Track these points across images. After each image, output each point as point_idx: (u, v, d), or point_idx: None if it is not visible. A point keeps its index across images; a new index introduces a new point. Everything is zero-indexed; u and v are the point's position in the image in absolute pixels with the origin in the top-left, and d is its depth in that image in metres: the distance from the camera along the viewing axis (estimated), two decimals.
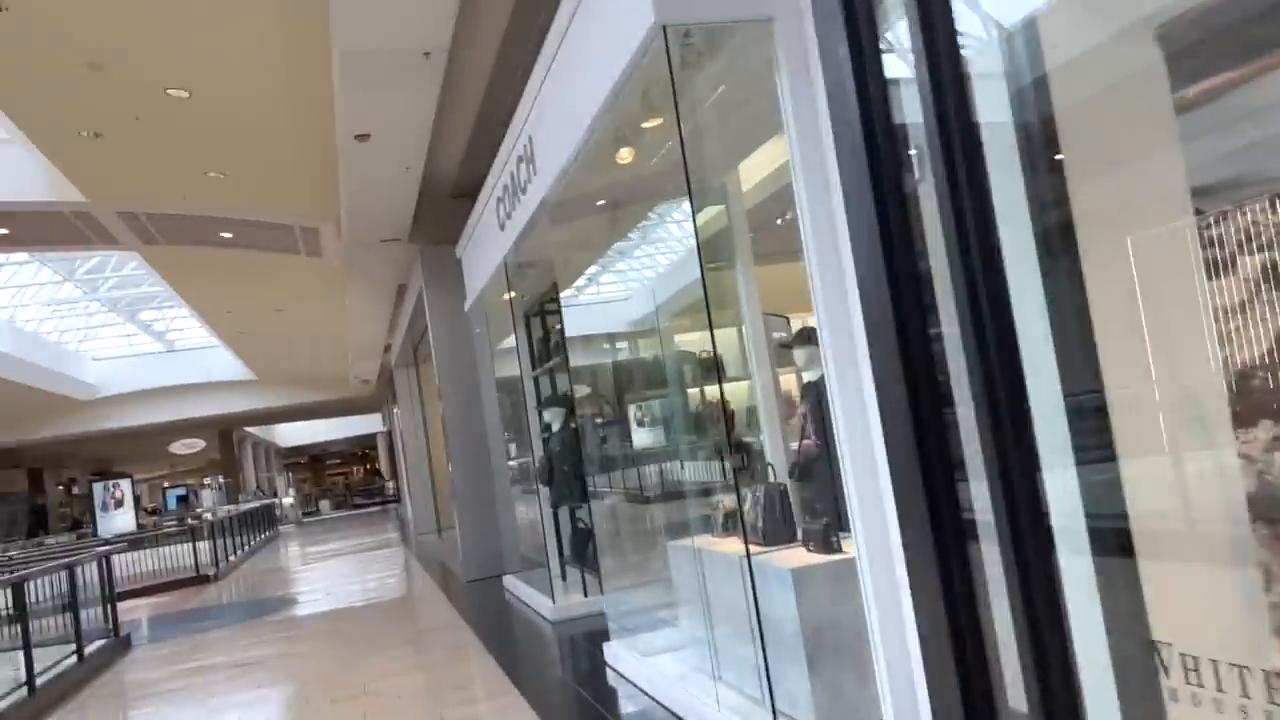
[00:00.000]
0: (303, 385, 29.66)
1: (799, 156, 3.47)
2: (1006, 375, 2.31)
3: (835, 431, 3.52)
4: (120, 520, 27.22)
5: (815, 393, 4.91)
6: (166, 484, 48.56)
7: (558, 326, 8.21)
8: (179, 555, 16.90)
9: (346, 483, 53.20)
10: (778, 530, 4.51)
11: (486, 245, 8.16)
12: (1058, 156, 2.44)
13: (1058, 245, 2.39)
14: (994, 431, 2.31)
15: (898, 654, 3.34)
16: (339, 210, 10.85)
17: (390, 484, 44.83)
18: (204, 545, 16.97)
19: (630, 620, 6.12)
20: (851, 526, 3.47)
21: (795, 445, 5.18)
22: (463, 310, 10.41)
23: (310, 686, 6.47)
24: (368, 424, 44.59)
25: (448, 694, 5.78)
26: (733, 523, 5.12)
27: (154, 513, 38.69)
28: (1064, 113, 2.36)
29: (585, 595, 7.62)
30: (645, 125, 4.98)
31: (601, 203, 6.37)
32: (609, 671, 5.72)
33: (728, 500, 5.33)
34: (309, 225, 11.92)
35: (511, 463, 10.36)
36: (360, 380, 27.56)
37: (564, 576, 9.15)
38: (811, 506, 4.74)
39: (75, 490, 38.83)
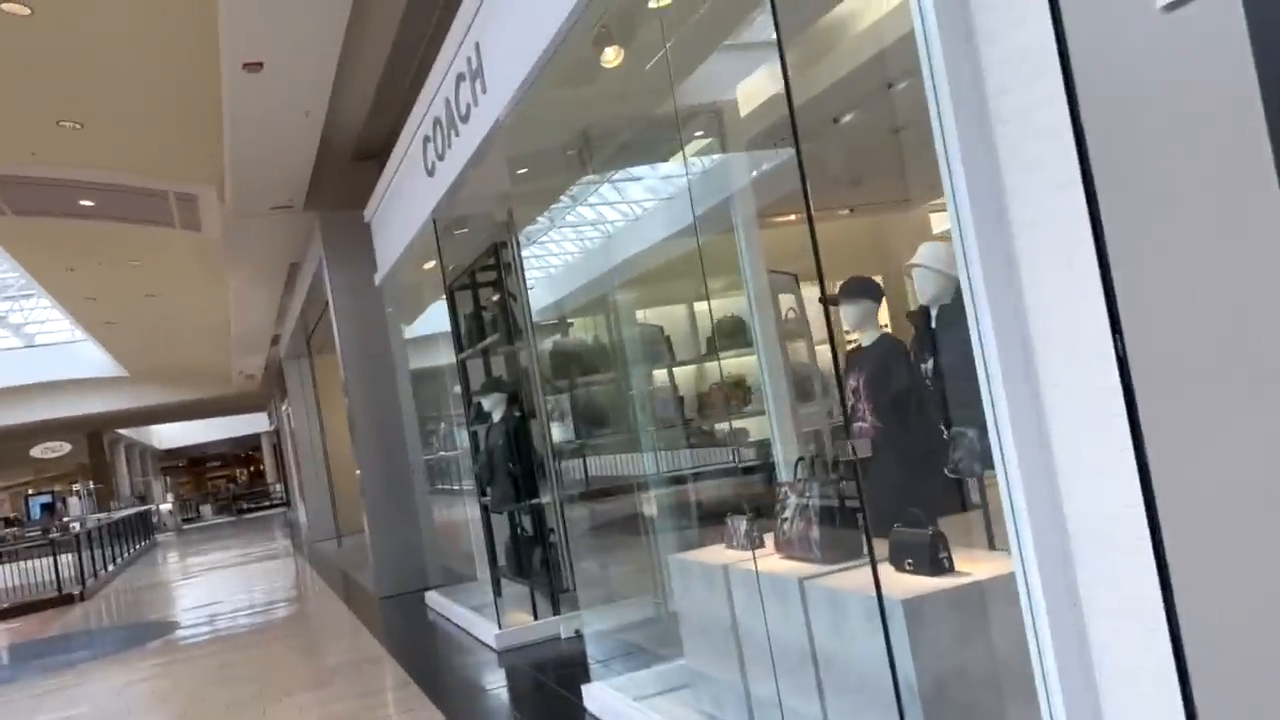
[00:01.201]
0: (180, 382, 27.40)
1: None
2: None
3: (990, 407, 2.35)
4: None
5: (876, 360, 3.78)
6: (30, 491, 45.03)
7: (494, 298, 6.93)
8: (41, 571, 14.91)
9: (230, 487, 50.35)
10: (839, 543, 3.37)
11: (406, 202, 6.83)
12: None
13: None
14: None
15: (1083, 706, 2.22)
16: (222, 170, 9.30)
17: (278, 487, 42.46)
18: (67, 559, 15.02)
19: (621, 655, 4.92)
20: (1012, 529, 2.33)
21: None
22: (370, 287, 9.01)
23: None
24: (252, 424, 42.24)
25: None
26: (756, 530, 3.97)
27: (14, 523, 35.62)
28: None
29: (535, 617, 6.36)
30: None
31: (566, 134, 5.13)
32: None
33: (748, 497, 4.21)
34: (186, 191, 10.29)
35: (428, 458, 9.00)
36: (245, 376, 25.51)
37: (498, 593, 7.90)
38: (892, 509, 3.60)
39: None
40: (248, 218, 10.19)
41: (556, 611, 6.33)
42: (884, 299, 3.93)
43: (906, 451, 3.75)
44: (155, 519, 31.76)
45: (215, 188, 9.98)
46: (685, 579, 4.11)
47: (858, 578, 3.10)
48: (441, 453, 9.19)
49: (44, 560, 14.91)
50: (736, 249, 4.92)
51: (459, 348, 6.89)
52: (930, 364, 3.49)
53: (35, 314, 25.53)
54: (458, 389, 8.06)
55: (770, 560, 3.65)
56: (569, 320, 6.74)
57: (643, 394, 6.05)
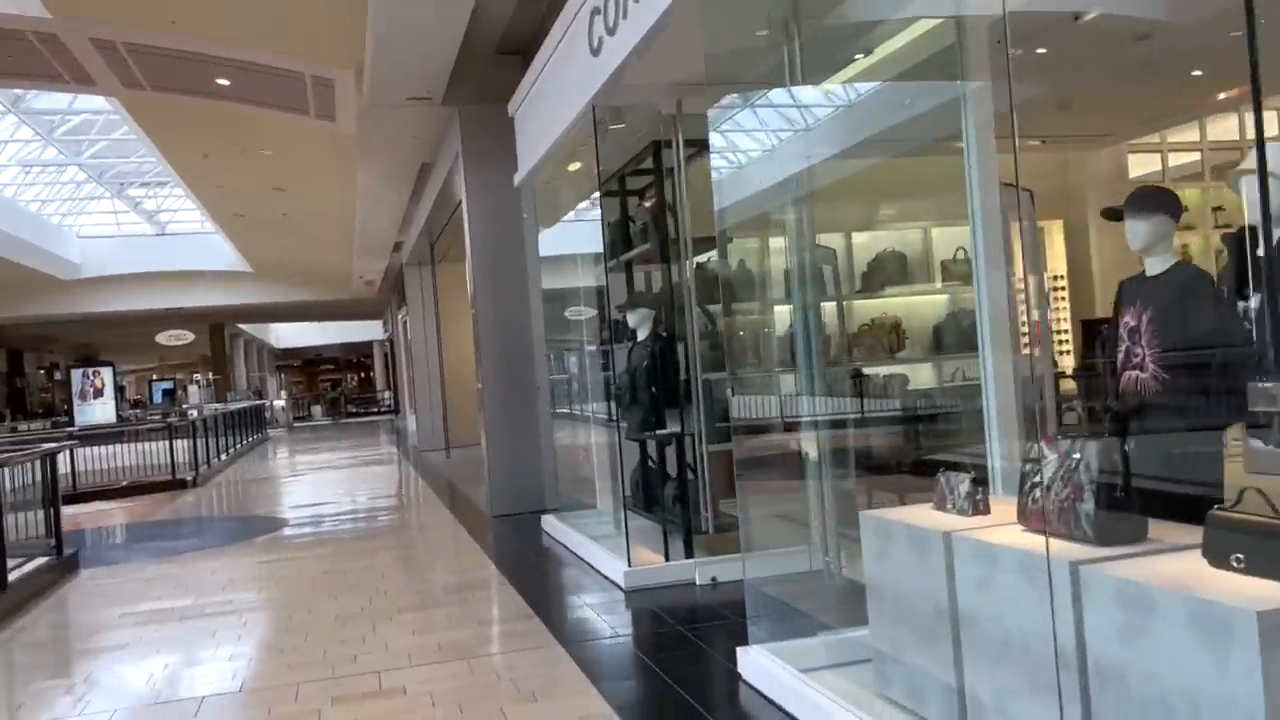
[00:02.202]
0: (301, 282, 27.64)
1: None
2: None
3: None
4: (99, 411, 25.40)
5: (1171, 291, 2.98)
6: (155, 376, 46.81)
7: (647, 204, 6.25)
8: (158, 453, 15.06)
9: (341, 390, 51.48)
10: (1120, 524, 2.63)
11: (561, 88, 6.15)
12: None
13: None
14: None
15: None
16: (362, 55, 8.78)
17: (386, 394, 43.12)
18: (183, 445, 15.13)
19: (774, 616, 4.28)
20: None
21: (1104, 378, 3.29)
22: (507, 189, 8.43)
23: (300, 670, 4.64)
24: (365, 331, 42.78)
25: (506, 698, 3.95)
26: (983, 493, 3.24)
27: (138, 405, 37.01)
28: None
29: (667, 558, 5.76)
30: None
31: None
32: (748, 690, 3.89)
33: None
34: (324, 75, 9.83)
35: (555, 378, 8.44)
36: (364, 281, 25.52)
37: (626, 526, 7.37)
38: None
39: (56, 376, 37.02)
40: (384, 108, 9.68)
41: (689, 554, 5.73)
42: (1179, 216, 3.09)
43: (1198, 413, 2.96)
44: (268, 414, 32.49)
45: (354, 73, 9.49)
46: (883, 541, 3.41)
47: (1161, 569, 2.36)
48: (567, 374, 8.64)
49: (162, 444, 15.06)
50: (964, 156, 4.11)
51: (609, 255, 6.24)
52: (1256, 302, 2.68)
53: (168, 202, 25.95)
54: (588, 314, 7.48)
55: (1009, 532, 2.93)
56: (729, 235, 6.02)
57: (808, 327, 5.33)
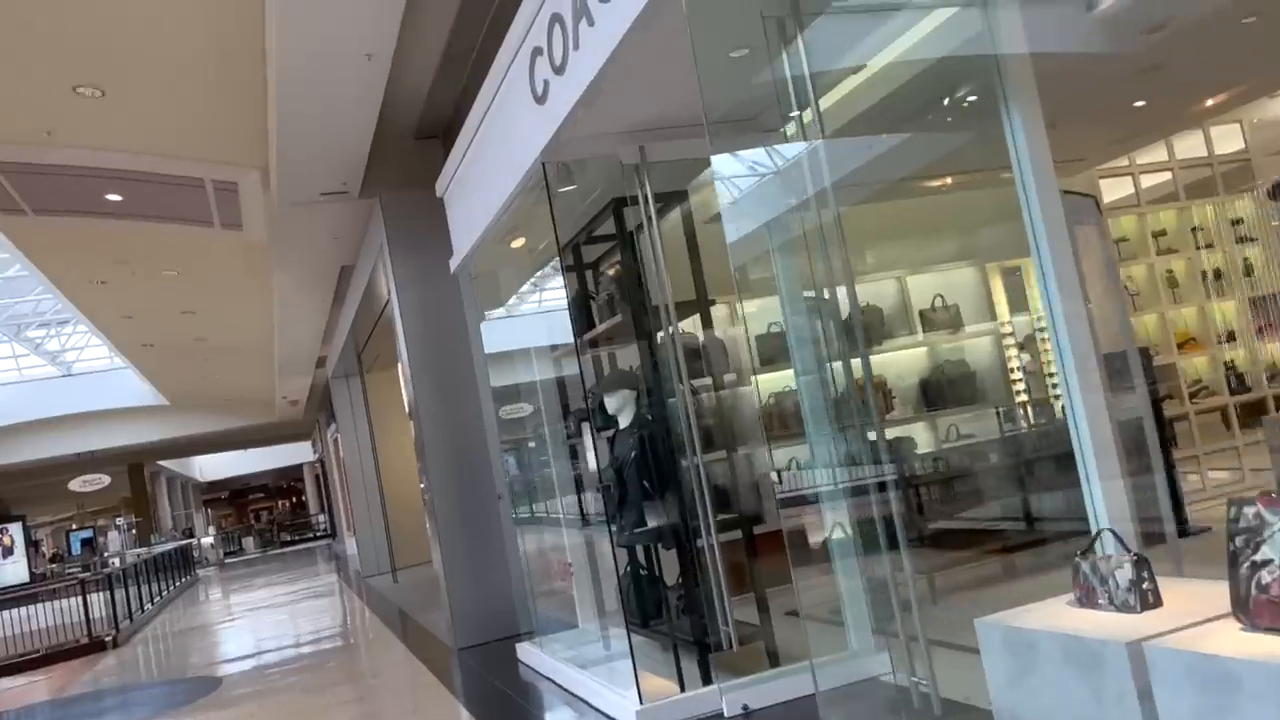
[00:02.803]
0: (221, 410, 26.25)
1: None
2: None
3: None
4: (9, 571, 23.42)
5: None
6: (73, 526, 44.20)
7: (610, 270, 5.47)
8: (78, 610, 13.54)
9: (271, 518, 49.32)
10: None
11: (499, 152, 5.38)
12: None
13: None
14: None
15: None
16: (266, 151, 7.97)
17: (320, 518, 41.27)
18: (100, 599, 13.64)
19: None
20: None
21: None
22: (441, 279, 7.61)
23: None
24: (294, 454, 41.15)
25: None
26: (1152, 578, 2.43)
27: (55, 559, 34.64)
28: None
29: (682, 687, 4.82)
30: None
31: None
32: None
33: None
34: (226, 179, 8.95)
35: (514, 475, 7.49)
36: (289, 401, 24.25)
37: (607, 647, 6.41)
38: None
39: None
40: (296, 207, 8.81)
41: (707, 679, 4.80)
42: None
43: None
44: (197, 553, 30.59)
45: (259, 173, 8.65)
46: (1019, 658, 2.55)
47: None
48: (522, 474, 7.72)
49: (81, 598, 13.58)
50: (1008, 142, 3.40)
51: (579, 330, 5.39)
52: None
53: (73, 340, 24.54)
54: (527, 409, 6.68)
55: (1228, 634, 2.11)
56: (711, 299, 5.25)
57: (819, 387, 4.57)
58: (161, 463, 36.90)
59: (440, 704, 6.29)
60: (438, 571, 7.96)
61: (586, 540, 6.47)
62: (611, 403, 5.02)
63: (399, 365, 12.35)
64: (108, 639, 12.85)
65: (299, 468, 45.43)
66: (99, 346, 22.66)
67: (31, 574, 23.75)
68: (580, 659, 6.02)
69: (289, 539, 40.81)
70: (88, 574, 14.77)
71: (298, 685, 7.69)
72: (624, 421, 5.04)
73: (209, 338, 16.50)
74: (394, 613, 11.39)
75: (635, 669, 4.71)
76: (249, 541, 40.27)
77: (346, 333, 13.98)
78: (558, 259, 5.83)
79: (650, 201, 4.89)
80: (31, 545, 35.23)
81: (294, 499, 54.46)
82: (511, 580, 7.57)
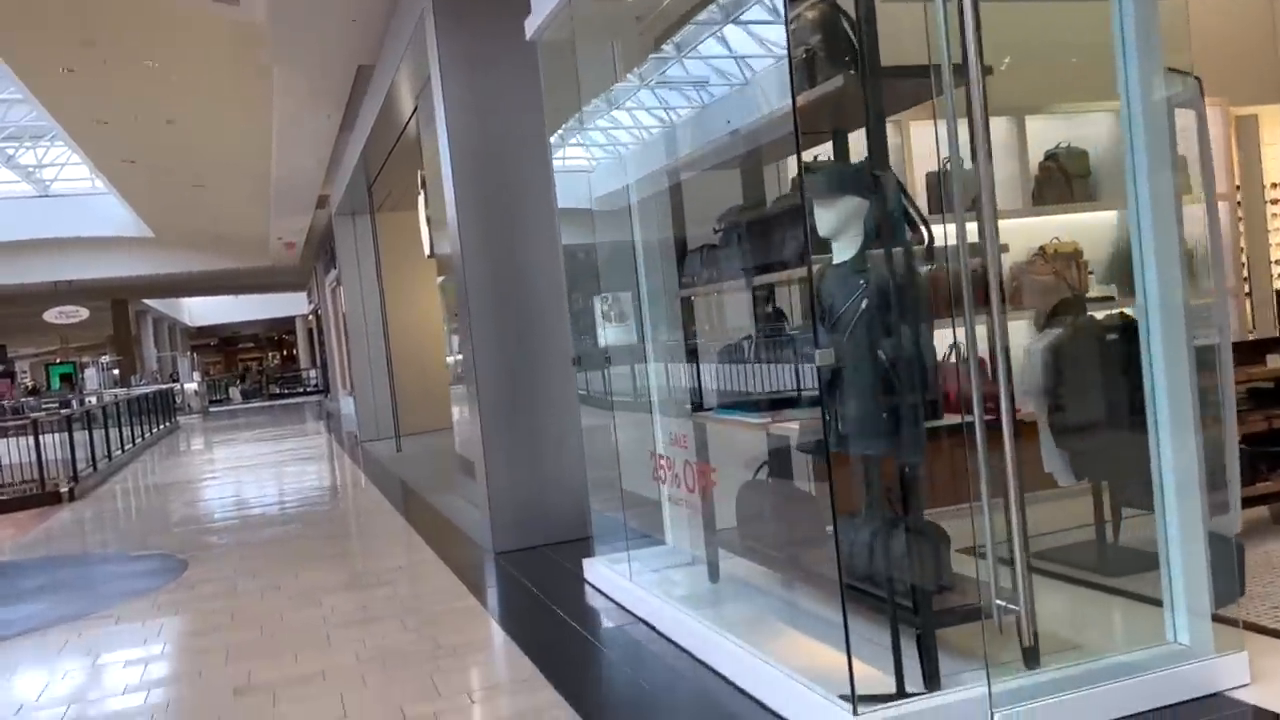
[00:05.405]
0: (210, 248, 24.14)
1: None
2: None
3: None
4: None
5: None
6: (57, 360, 42.51)
7: (810, 11, 3.38)
8: (47, 449, 11.72)
9: (261, 370, 47.74)
10: None
11: None
12: None
13: None
14: None
15: None
16: None
17: (312, 373, 39.63)
18: (57, 442, 11.82)
19: None
20: None
21: None
22: (501, 66, 5.52)
23: None
24: (288, 305, 39.31)
25: None
26: None
27: (33, 392, 33.00)
28: None
29: (900, 689, 2.95)
30: None
31: None
32: None
33: None
34: None
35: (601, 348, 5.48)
36: (284, 243, 22.12)
37: (714, 577, 4.61)
38: None
39: None
40: None
41: (929, 681, 2.95)
42: None
43: None
44: (180, 399, 28.91)
45: None
46: None
47: None
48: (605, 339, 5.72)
49: (50, 438, 11.78)
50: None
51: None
52: None
53: (50, 154, 22.29)
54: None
55: None
56: None
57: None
58: (148, 301, 34.95)
59: (492, 652, 4.47)
60: (467, 454, 6.09)
61: (698, 429, 4.53)
62: (826, 218, 3.02)
63: (420, 199, 10.30)
64: (64, 490, 11.09)
65: (291, 320, 43.59)
66: (79, 165, 20.44)
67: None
68: (693, 598, 4.19)
69: (278, 391, 39.23)
70: (42, 414, 12.88)
71: (281, 590, 5.87)
72: (843, 253, 3.05)
73: (197, 154, 14.30)
74: (394, 486, 9.59)
75: (851, 663, 2.83)
76: (235, 391, 38.71)
77: (356, 160, 11.86)
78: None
79: None
80: (9, 376, 33.53)
81: (286, 352, 52.87)
82: (573, 474, 5.69)
